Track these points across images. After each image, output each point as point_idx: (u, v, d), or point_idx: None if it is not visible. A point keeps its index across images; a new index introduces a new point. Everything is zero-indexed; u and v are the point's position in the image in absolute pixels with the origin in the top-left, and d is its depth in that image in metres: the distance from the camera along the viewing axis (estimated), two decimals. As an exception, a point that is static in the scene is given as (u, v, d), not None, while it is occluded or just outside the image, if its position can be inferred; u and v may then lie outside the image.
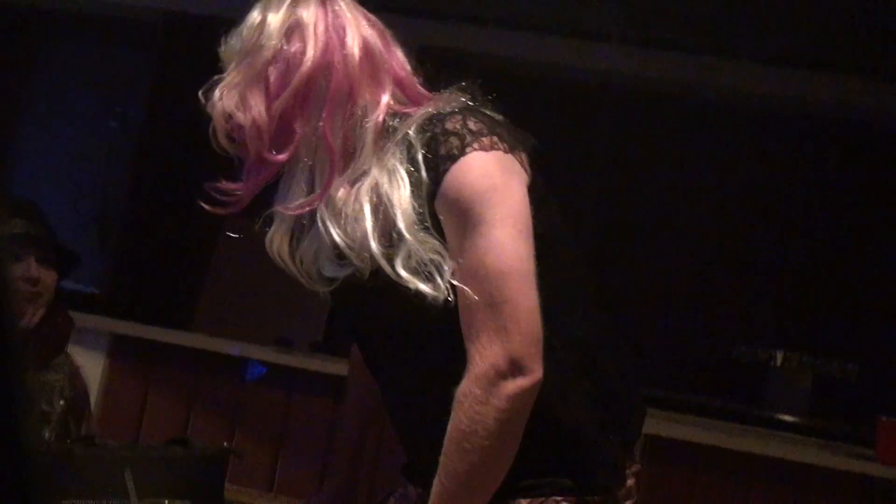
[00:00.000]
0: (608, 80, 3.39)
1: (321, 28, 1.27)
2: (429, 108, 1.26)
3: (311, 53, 1.25)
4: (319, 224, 1.23)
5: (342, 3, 1.32)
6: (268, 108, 1.23)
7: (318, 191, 1.23)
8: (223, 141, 1.27)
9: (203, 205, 1.27)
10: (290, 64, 1.25)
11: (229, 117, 1.26)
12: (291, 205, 1.24)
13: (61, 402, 1.84)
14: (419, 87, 1.33)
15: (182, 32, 3.55)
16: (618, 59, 3.28)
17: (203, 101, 1.31)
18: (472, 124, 1.20)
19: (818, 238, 3.56)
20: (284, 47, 1.26)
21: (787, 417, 3.20)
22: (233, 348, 2.76)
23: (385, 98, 1.26)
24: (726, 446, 2.50)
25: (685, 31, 3.24)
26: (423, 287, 1.14)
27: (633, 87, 3.43)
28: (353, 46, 1.27)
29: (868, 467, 2.44)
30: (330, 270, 1.24)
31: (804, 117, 3.45)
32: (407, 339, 1.27)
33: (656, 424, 2.56)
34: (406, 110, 1.27)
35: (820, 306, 3.50)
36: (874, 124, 3.48)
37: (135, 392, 2.77)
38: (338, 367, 2.55)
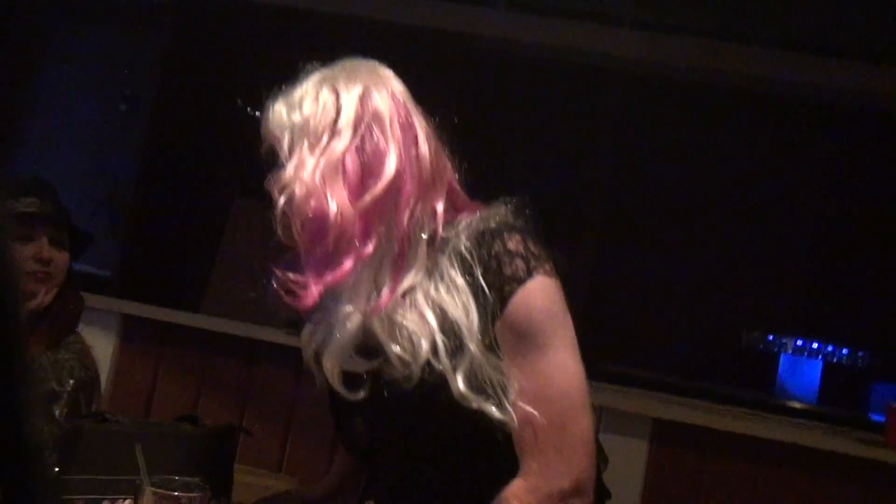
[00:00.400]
0: (620, 64, 3.37)
1: (396, 123, 1.24)
2: (477, 220, 1.25)
3: (393, 153, 1.21)
4: (352, 324, 1.21)
5: (403, 92, 1.30)
6: (352, 202, 1.19)
7: (382, 293, 1.20)
8: (297, 227, 1.20)
9: (281, 294, 1.23)
10: (370, 158, 1.21)
11: (294, 201, 1.20)
12: (364, 306, 1.20)
13: (71, 381, 1.84)
14: (463, 193, 1.32)
15: (192, 14, 3.54)
16: (630, 44, 3.26)
17: (266, 169, 1.25)
18: (532, 247, 1.22)
19: (829, 225, 3.54)
20: (364, 139, 1.22)
21: (797, 404, 3.19)
22: (241, 329, 2.76)
23: (440, 206, 1.25)
24: (735, 430, 2.49)
25: (698, 15, 3.22)
26: (489, 408, 1.16)
27: (645, 72, 3.41)
28: (425, 148, 1.25)
29: (878, 453, 2.43)
30: (348, 364, 1.24)
31: (819, 103, 3.43)
32: (426, 440, 1.26)
33: (666, 408, 2.56)
34: (452, 218, 1.26)
35: (831, 294, 3.48)
36: (892, 111, 3.44)
37: (145, 372, 2.78)
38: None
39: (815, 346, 3.31)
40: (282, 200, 1.20)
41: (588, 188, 3.50)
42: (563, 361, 1.19)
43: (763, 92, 3.45)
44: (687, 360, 3.48)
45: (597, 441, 1.35)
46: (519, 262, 1.19)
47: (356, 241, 1.18)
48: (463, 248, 1.21)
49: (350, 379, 1.23)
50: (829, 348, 3.30)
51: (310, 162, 1.20)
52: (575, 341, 1.22)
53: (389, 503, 1.38)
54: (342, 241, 1.18)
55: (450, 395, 1.16)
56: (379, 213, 1.20)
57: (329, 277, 1.20)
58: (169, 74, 3.50)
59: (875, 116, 3.43)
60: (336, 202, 1.18)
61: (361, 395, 1.22)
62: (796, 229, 3.57)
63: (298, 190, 1.19)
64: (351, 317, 1.21)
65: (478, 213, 1.26)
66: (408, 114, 1.27)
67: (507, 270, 1.19)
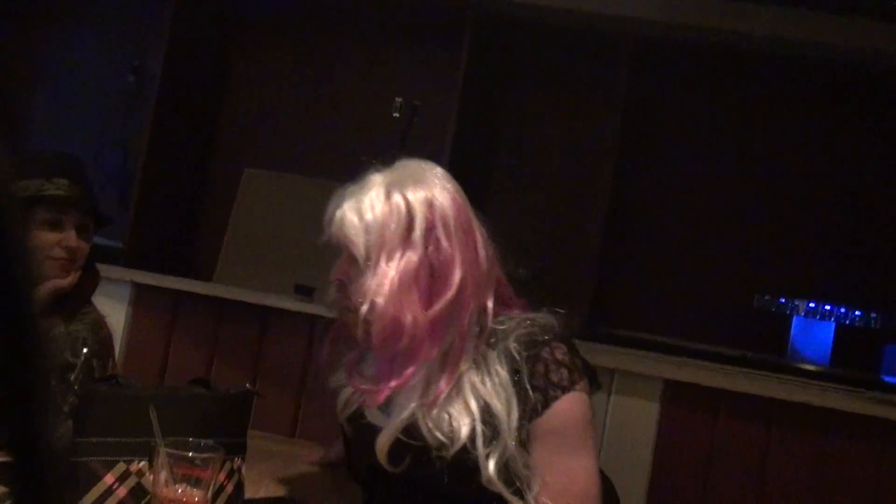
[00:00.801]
0: (631, 26, 3.32)
1: (460, 228, 1.34)
2: (527, 324, 1.36)
3: (458, 259, 1.32)
4: (408, 414, 1.33)
5: (459, 191, 1.39)
6: (424, 310, 1.31)
7: (439, 386, 1.32)
8: (376, 331, 1.31)
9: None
10: (440, 266, 1.32)
11: (376, 310, 1.30)
12: (421, 399, 1.33)
13: (85, 351, 1.85)
14: (509, 288, 1.43)
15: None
16: (642, 5, 3.22)
17: (339, 276, 1.37)
18: (577, 360, 1.36)
19: (842, 186, 3.51)
20: (435, 247, 1.32)
21: (810, 367, 3.19)
22: (253, 297, 2.77)
23: (490, 303, 1.36)
24: (747, 391, 2.49)
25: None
26: (512, 498, 1.28)
27: (657, 34, 3.36)
28: (483, 252, 1.36)
29: (891, 413, 2.43)
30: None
31: (834, 64, 3.38)
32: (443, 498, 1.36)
33: (677, 370, 2.56)
34: (499, 312, 1.38)
35: (843, 255, 3.46)
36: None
37: (158, 341, 2.80)
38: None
39: (827, 308, 3.29)
40: (365, 308, 1.32)
41: (599, 152, 3.48)
42: (587, 466, 1.33)
43: (775, 53, 3.40)
44: (699, 323, 3.47)
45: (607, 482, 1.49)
46: (564, 372, 1.33)
47: (425, 344, 1.31)
48: (512, 348, 1.33)
49: (393, 454, 1.35)
50: (842, 310, 3.28)
51: (389, 274, 1.30)
52: (597, 451, 1.37)
53: None
54: (413, 345, 1.31)
55: (477, 477, 1.27)
56: (446, 317, 1.32)
57: (397, 383, 1.33)
58: (177, 44, 3.48)
59: (890, 77, 3.38)
60: (411, 312, 1.30)
61: (401, 468, 1.34)
62: (809, 191, 3.54)
63: (380, 301, 1.30)
64: (408, 409, 1.33)
65: (526, 316, 1.38)
66: (468, 216, 1.38)
67: (554, 377, 1.32)
